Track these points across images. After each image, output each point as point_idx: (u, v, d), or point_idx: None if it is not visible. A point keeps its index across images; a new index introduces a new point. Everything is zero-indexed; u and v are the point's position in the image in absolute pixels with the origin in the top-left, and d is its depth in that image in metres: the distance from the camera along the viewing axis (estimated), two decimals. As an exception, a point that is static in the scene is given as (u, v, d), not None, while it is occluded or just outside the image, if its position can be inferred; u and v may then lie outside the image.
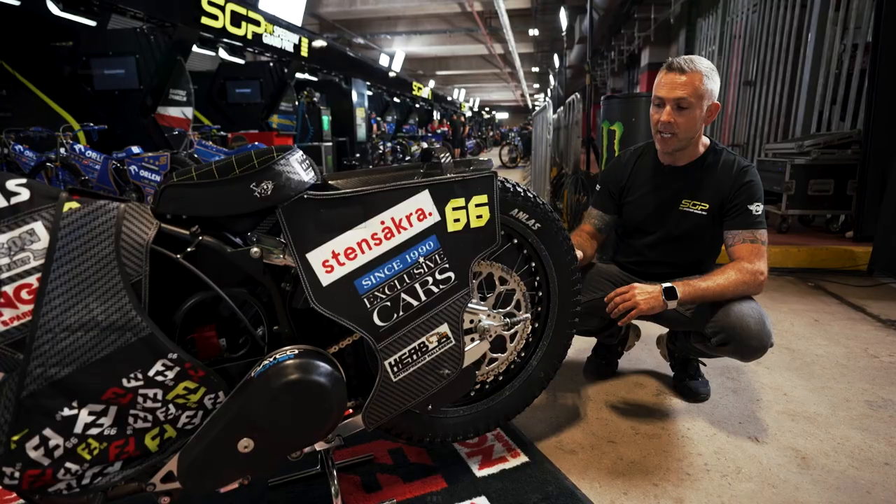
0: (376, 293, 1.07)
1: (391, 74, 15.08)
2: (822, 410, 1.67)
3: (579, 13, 13.18)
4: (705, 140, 1.62)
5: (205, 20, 6.76)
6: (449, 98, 25.67)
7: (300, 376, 0.98)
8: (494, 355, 1.38)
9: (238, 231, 1.11)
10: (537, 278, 1.40)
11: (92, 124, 5.37)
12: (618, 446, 1.50)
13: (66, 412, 0.89)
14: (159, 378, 0.94)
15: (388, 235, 1.07)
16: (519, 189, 1.28)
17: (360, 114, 12.08)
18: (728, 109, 6.55)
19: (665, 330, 1.82)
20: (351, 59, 12.58)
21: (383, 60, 15.60)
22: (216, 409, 1.00)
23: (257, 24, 7.97)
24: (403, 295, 1.09)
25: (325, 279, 1.02)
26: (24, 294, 0.86)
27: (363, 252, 1.05)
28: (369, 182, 1.09)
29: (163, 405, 0.97)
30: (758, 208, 1.52)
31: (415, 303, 1.11)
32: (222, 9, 7.08)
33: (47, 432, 0.89)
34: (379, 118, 14.01)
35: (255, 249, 1.00)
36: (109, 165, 4.92)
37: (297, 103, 9.88)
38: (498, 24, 16.50)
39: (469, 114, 29.69)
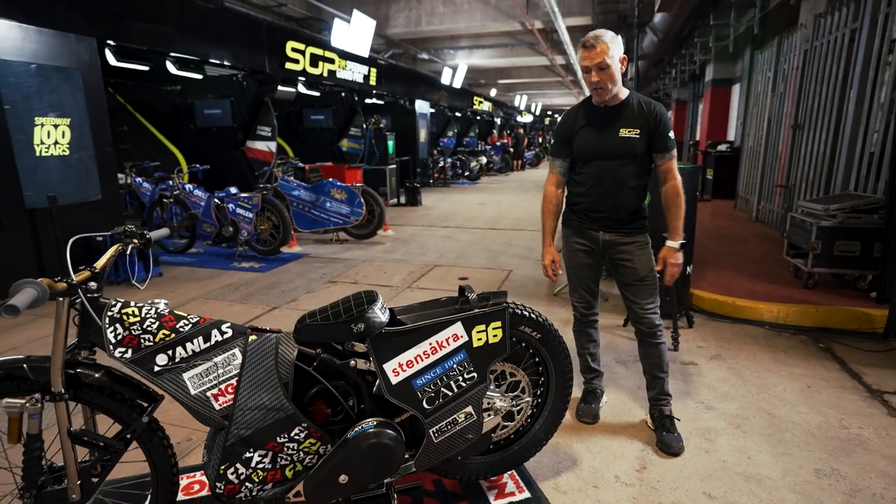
0: (425, 388, 1.67)
1: (454, 86, 15.74)
2: (774, 474, 2.10)
3: (641, 30, 13.21)
4: (624, 90, 2.19)
5: (288, 65, 7.70)
6: (509, 104, 26.02)
7: (378, 441, 1.60)
8: (506, 423, 1.95)
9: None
10: (540, 368, 1.95)
11: (198, 165, 6.39)
12: (600, 491, 2.02)
13: (248, 454, 1.57)
14: (296, 437, 1.60)
15: (434, 352, 1.67)
16: (525, 312, 1.84)
17: (422, 134, 12.84)
18: (782, 149, 6.63)
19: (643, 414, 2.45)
20: (414, 76, 13.32)
21: (446, 75, 16.26)
22: (325, 455, 1.64)
23: (332, 61, 8.87)
24: (442, 389, 1.69)
25: (394, 380, 1.64)
26: (229, 389, 1.54)
27: (418, 363, 1.66)
28: (424, 316, 1.70)
29: (297, 451, 1.62)
30: (671, 133, 2.18)
31: (450, 393, 1.70)
32: (303, 53, 8.00)
33: (238, 465, 1.56)
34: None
35: (352, 362, 1.64)
36: (212, 203, 5.88)
37: (364, 127, 10.75)
38: (559, 39, 16.72)
39: (530, 118, 29.87)
